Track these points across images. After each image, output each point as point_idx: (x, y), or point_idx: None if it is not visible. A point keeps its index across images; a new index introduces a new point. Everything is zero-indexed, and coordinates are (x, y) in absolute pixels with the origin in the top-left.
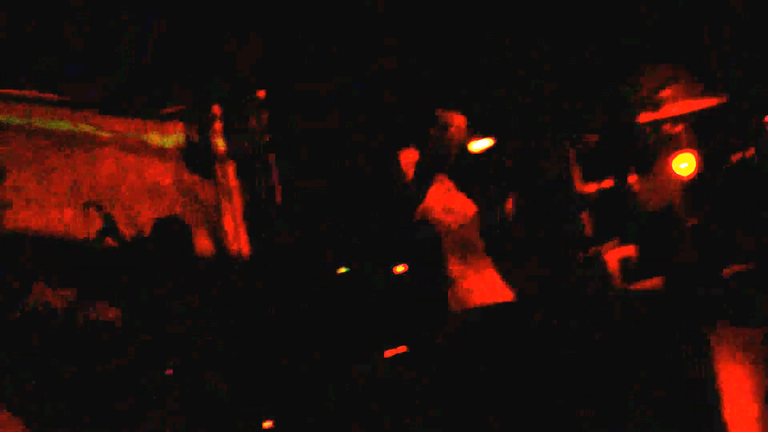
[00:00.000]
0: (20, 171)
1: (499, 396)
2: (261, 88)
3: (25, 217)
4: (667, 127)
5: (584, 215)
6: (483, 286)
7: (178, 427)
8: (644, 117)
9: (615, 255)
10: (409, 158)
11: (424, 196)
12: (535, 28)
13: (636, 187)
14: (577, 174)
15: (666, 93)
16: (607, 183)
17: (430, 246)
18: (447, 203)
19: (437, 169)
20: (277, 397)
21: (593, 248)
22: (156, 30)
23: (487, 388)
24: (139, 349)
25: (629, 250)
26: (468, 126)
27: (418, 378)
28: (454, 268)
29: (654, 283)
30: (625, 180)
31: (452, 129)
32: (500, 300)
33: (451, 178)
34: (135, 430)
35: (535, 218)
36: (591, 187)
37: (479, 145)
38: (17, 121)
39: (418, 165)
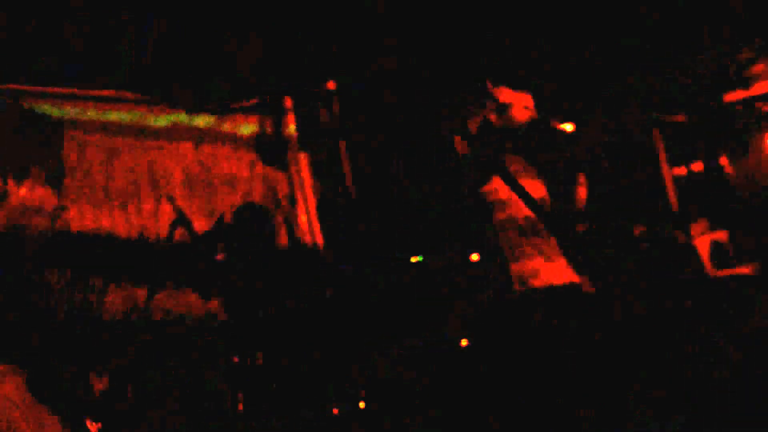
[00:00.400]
0: (95, 166)
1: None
2: (331, 79)
3: (98, 215)
4: (759, 105)
5: (672, 198)
6: (549, 267)
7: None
8: (734, 95)
9: (705, 240)
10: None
11: (486, 178)
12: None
13: (727, 169)
14: (663, 155)
15: (757, 69)
16: (697, 165)
17: (494, 228)
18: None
19: (501, 150)
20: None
21: (682, 233)
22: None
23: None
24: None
25: (720, 235)
26: (537, 106)
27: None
28: (519, 249)
29: (746, 269)
30: (716, 162)
31: (515, 108)
32: (565, 282)
33: (520, 158)
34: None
35: (615, 202)
36: (679, 170)
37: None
38: (92, 116)
39: (477, 145)
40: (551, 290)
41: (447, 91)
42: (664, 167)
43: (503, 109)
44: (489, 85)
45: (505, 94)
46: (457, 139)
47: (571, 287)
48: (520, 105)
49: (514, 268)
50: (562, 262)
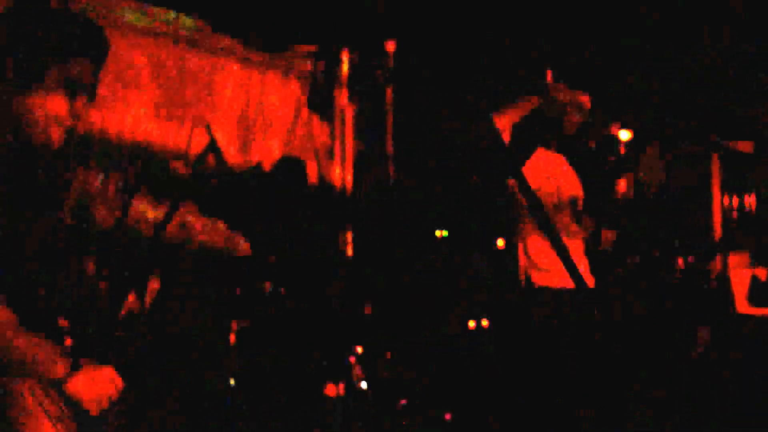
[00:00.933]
0: (155, 76)
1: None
2: (391, 38)
3: (137, 122)
4: None
5: (717, 227)
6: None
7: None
8: None
9: (744, 274)
10: (504, 123)
11: (520, 165)
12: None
13: None
14: (717, 183)
15: None
16: (751, 201)
17: (515, 220)
18: (545, 178)
19: (540, 142)
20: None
21: (719, 265)
22: None
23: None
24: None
25: (760, 272)
26: (596, 108)
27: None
28: (535, 245)
29: None
30: None
31: (570, 107)
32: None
33: (562, 155)
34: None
35: (658, 225)
36: (731, 200)
37: (624, 134)
38: (164, 29)
39: (516, 132)
40: (558, 292)
41: (504, 76)
42: (716, 195)
43: (558, 105)
44: (549, 78)
45: (563, 92)
46: (500, 121)
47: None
48: (576, 105)
49: (526, 264)
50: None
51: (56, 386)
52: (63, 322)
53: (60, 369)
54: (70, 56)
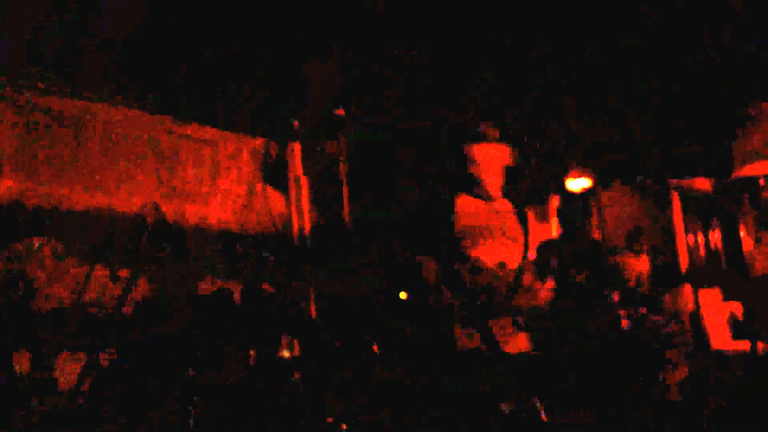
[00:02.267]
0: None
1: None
2: (340, 107)
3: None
4: None
5: (682, 265)
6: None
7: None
8: (759, 168)
9: (720, 310)
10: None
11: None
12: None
13: (746, 247)
14: (679, 222)
15: None
16: (715, 237)
17: None
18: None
19: None
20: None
21: (690, 302)
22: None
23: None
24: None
25: (732, 308)
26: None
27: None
28: None
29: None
30: (737, 236)
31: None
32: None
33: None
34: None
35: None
36: (696, 239)
37: (577, 184)
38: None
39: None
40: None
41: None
42: (679, 232)
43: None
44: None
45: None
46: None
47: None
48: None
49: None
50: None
51: None
52: None
53: None
54: None
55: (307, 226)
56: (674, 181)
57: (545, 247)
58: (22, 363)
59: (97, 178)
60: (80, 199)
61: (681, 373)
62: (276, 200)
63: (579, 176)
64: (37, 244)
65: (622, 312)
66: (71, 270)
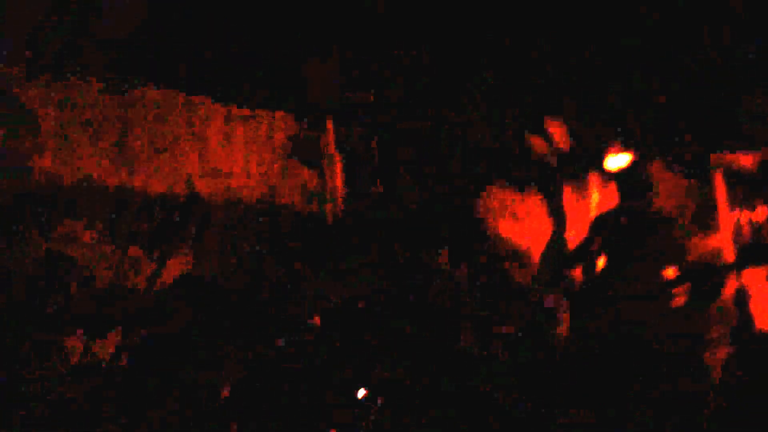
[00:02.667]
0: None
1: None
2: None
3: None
4: None
5: (727, 246)
6: None
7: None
8: None
9: (759, 290)
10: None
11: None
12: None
13: None
14: (722, 198)
15: None
16: (762, 213)
17: None
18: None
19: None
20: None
21: (734, 282)
22: None
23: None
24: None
25: None
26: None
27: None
28: None
29: None
30: None
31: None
32: None
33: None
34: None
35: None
36: (740, 216)
37: (616, 162)
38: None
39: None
40: None
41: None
42: (722, 209)
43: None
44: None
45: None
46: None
47: None
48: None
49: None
50: None
51: None
52: None
53: None
54: None
55: (340, 206)
56: (716, 156)
57: (598, 224)
58: (75, 345)
59: (136, 159)
60: (117, 179)
61: (723, 352)
62: (312, 181)
63: (619, 152)
64: (76, 226)
65: (676, 290)
66: (107, 251)
